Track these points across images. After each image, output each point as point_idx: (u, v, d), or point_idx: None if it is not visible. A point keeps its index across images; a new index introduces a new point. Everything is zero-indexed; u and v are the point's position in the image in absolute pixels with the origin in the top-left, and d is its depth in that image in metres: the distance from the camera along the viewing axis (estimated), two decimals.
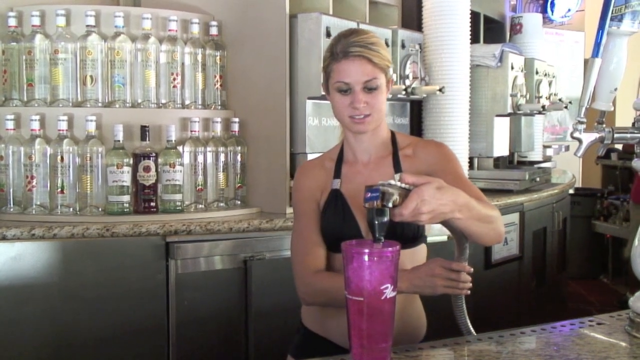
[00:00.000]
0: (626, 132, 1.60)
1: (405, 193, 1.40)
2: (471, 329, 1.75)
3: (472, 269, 1.67)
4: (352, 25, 3.04)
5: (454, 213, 1.48)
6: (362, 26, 3.13)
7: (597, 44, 1.57)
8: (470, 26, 3.72)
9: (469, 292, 1.68)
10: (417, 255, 1.82)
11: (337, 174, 1.84)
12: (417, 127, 3.79)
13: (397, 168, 1.79)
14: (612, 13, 1.59)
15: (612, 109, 1.72)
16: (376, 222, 1.38)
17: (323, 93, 1.85)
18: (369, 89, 1.72)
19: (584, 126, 1.59)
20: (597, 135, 1.59)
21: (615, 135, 1.60)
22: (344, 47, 1.72)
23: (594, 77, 1.58)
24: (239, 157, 3.02)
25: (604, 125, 1.61)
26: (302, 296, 1.81)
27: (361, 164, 1.84)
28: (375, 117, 1.76)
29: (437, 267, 1.64)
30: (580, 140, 1.59)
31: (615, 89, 1.69)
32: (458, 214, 1.48)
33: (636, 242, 1.62)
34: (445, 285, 1.64)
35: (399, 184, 1.40)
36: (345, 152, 1.87)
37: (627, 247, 5.48)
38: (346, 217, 1.78)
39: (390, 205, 1.38)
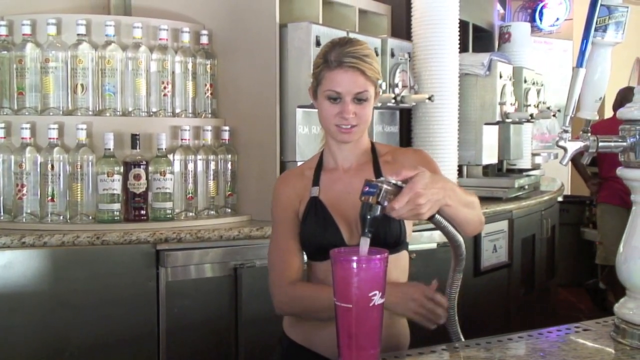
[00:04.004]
0: (610, 141, 1.62)
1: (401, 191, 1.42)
2: (462, 338, 1.76)
3: (447, 305, 1.69)
4: (342, 34, 3.06)
5: (445, 199, 1.48)
6: (352, 35, 3.15)
7: (582, 54, 1.60)
8: (459, 35, 3.74)
9: (435, 326, 1.69)
10: (399, 261, 1.82)
11: (316, 181, 1.83)
12: (406, 135, 3.82)
13: (378, 174, 1.80)
14: (596, 23, 1.62)
15: (597, 118, 1.74)
16: (368, 217, 1.40)
17: (311, 100, 1.85)
18: (359, 100, 1.73)
19: (568, 135, 1.61)
20: (582, 144, 1.61)
21: (600, 144, 1.62)
22: (338, 56, 1.72)
23: (578, 87, 1.60)
24: (229, 165, 3.03)
25: (589, 134, 1.63)
26: (278, 305, 1.81)
27: (342, 170, 1.84)
28: (361, 128, 1.77)
29: (418, 293, 1.67)
30: (565, 149, 1.61)
31: (600, 99, 1.71)
32: (448, 200, 1.49)
33: (621, 248, 1.64)
34: (419, 312, 1.67)
35: (399, 183, 1.41)
36: (325, 160, 1.87)
37: (599, 253, 5.50)
38: (327, 224, 1.77)
39: (385, 203, 1.39)
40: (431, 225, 1.57)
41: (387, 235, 1.75)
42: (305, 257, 1.86)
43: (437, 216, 1.51)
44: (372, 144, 1.89)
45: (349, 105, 1.72)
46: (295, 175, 1.90)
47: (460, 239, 1.63)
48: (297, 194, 1.84)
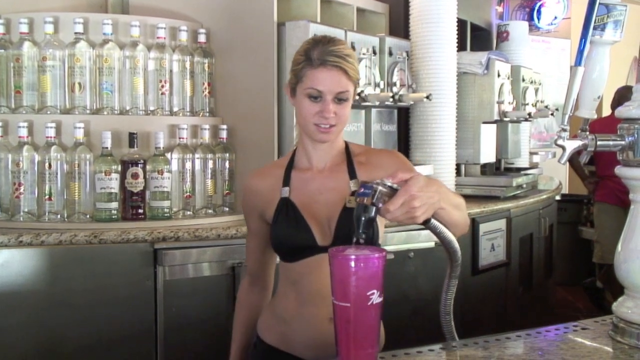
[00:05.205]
0: (609, 140, 1.62)
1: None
2: (456, 337, 1.75)
3: None
4: (340, 33, 3.06)
5: (440, 203, 1.46)
6: (350, 34, 3.16)
7: (580, 53, 1.59)
8: (457, 34, 3.75)
9: None
10: None
11: (286, 182, 1.81)
12: (404, 134, 3.82)
13: (352, 175, 1.78)
14: (595, 22, 1.62)
15: (595, 116, 1.74)
16: (363, 219, 1.38)
17: (288, 97, 1.83)
18: (339, 99, 1.71)
19: (567, 134, 1.60)
20: (580, 142, 1.61)
21: (599, 143, 1.61)
22: (321, 54, 1.70)
23: (576, 86, 1.59)
24: (227, 164, 3.02)
25: (587, 133, 1.62)
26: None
27: (316, 170, 1.81)
28: (339, 128, 1.75)
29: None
30: (563, 148, 1.60)
31: (599, 97, 1.71)
32: (442, 203, 1.47)
33: (619, 248, 1.64)
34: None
35: (394, 185, 1.40)
36: (298, 159, 1.84)
37: (596, 252, 5.51)
38: (299, 225, 1.75)
39: (379, 204, 1.38)
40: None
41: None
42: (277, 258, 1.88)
43: (434, 221, 1.49)
44: (346, 144, 1.87)
45: (329, 104, 1.70)
46: (264, 175, 1.87)
47: (457, 245, 1.61)
48: (265, 193, 1.82)
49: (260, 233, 1.88)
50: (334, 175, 1.80)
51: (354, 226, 1.39)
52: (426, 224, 1.48)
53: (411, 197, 1.39)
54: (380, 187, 1.39)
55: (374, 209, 1.38)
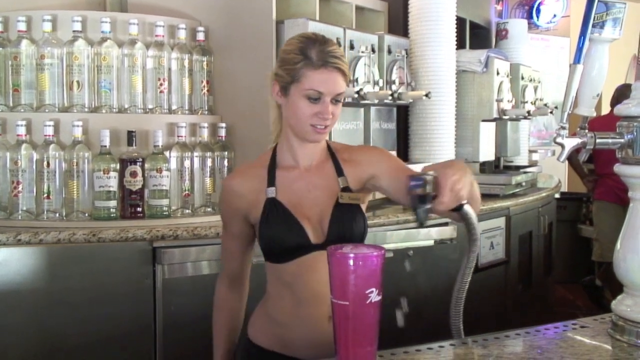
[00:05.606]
0: (608, 138, 1.62)
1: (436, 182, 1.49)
2: (462, 333, 1.74)
3: None
4: (339, 31, 3.06)
5: (470, 176, 1.52)
6: (349, 32, 3.16)
7: (579, 50, 1.59)
8: (456, 32, 3.75)
9: None
10: None
11: (271, 181, 1.78)
12: (403, 132, 3.81)
13: (339, 172, 1.79)
14: (593, 20, 1.61)
15: (594, 114, 1.74)
16: (419, 209, 1.46)
17: (274, 95, 1.79)
18: (336, 100, 1.71)
19: (566, 131, 1.60)
20: (579, 140, 1.61)
21: (598, 141, 1.62)
22: (321, 55, 1.68)
23: (575, 83, 1.59)
24: (225, 162, 3.02)
25: (586, 131, 1.62)
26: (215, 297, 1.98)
27: (303, 169, 1.80)
28: (331, 128, 1.76)
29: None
30: (562, 146, 1.60)
31: (598, 95, 1.71)
32: (470, 176, 1.52)
33: (618, 246, 1.64)
34: None
35: (434, 173, 1.47)
36: (282, 158, 1.82)
37: (595, 250, 5.51)
38: (290, 225, 1.73)
39: (432, 193, 1.45)
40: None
41: (354, 229, 1.74)
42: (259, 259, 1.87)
43: (466, 207, 1.52)
44: (327, 142, 1.86)
45: (329, 105, 1.69)
46: (245, 176, 1.84)
47: (479, 234, 1.61)
48: (248, 195, 1.78)
49: (242, 235, 1.86)
50: (320, 173, 1.79)
51: (414, 215, 1.47)
52: (459, 210, 1.52)
53: (453, 183, 1.45)
54: (427, 177, 1.46)
55: (430, 197, 1.46)
